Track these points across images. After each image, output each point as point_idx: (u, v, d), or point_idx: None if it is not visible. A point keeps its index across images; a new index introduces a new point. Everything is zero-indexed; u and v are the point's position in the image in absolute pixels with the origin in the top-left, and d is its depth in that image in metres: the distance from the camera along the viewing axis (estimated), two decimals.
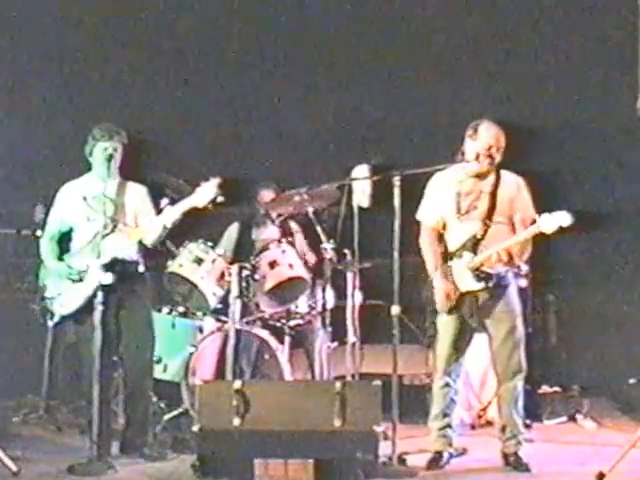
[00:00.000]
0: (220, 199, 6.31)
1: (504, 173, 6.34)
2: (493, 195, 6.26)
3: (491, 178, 6.31)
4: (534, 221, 6.08)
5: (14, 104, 8.21)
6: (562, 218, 5.95)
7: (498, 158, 6.28)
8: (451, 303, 6.24)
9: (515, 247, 6.19)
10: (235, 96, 8.37)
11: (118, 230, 6.33)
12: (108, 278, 6.21)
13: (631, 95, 7.75)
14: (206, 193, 6.29)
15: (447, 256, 6.31)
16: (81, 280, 6.36)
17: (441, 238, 6.38)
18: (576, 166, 8.16)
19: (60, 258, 6.53)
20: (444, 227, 6.37)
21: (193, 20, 8.37)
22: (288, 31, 8.37)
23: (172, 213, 6.36)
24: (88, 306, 6.32)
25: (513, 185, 6.33)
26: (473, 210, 6.28)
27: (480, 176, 6.30)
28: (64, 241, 6.58)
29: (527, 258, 6.41)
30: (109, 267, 6.26)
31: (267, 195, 7.81)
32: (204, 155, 8.34)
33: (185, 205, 6.34)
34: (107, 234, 6.24)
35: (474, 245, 6.21)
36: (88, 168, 6.57)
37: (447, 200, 6.31)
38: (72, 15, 8.29)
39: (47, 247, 6.58)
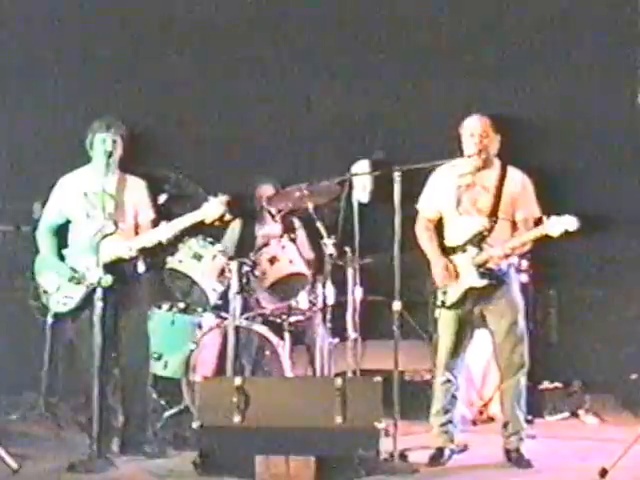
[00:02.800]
0: (227, 217, 6.30)
1: (511, 169, 6.34)
2: (499, 190, 6.26)
3: (495, 173, 6.32)
4: (539, 220, 6.08)
5: (13, 101, 8.18)
6: (569, 222, 5.96)
7: (492, 148, 6.28)
8: (450, 277, 6.22)
9: (519, 246, 6.20)
10: (236, 91, 8.35)
11: (119, 231, 6.31)
12: (107, 280, 6.19)
13: (631, 92, 7.74)
14: (213, 209, 6.27)
15: (448, 250, 6.31)
16: (80, 283, 6.35)
17: (438, 230, 6.38)
18: (577, 163, 8.14)
19: (58, 252, 6.50)
20: (440, 220, 6.39)
21: (194, 15, 8.33)
22: (289, 27, 8.35)
23: (175, 226, 6.33)
24: (86, 304, 6.32)
25: (518, 182, 6.34)
26: (473, 204, 6.28)
27: (481, 170, 6.29)
28: (60, 233, 6.56)
29: (526, 253, 6.45)
30: (108, 267, 6.24)
31: (268, 191, 7.79)
32: (204, 150, 8.31)
33: (190, 219, 6.32)
34: (108, 235, 6.20)
35: (479, 241, 6.21)
36: (88, 161, 6.56)
37: (447, 193, 6.33)
38: (71, 11, 8.26)
39: (45, 240, 6.56)
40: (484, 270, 6.19)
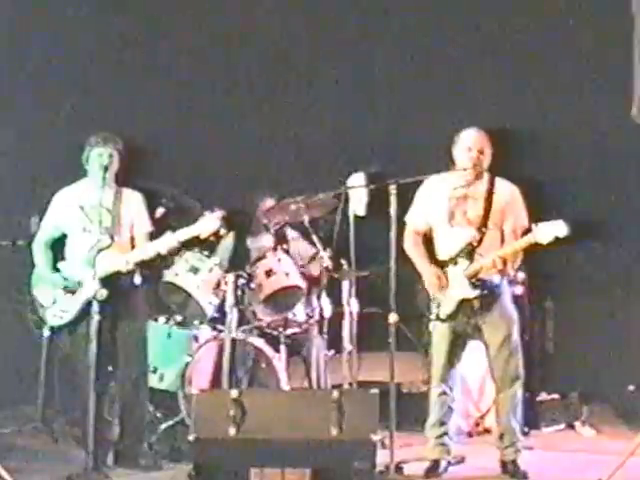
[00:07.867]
0: (223, 231, 6.34)
1: (499, 180, 6.35)
2: (488, 201, 6.26)
3: (484, 184, 6.32)
4: (528, 230, 6.07)
5: (9, 114, 8.19)
6: (558, 228, 5.94)
7: (485, 162, 6.28)
8: (442, 285, 6.22)
9: (510, 255, 6.19)
10: (233, 104, 8.36)
11: (115, 244, 6.31)
12: (103, 293, 6.19)
13: (626, 101, 7.75)
14: (209, 225, 6.31)
15: (439, 263, 6.31)
16: (74, 292, 6.35)
17: (428, 243, 6.38)
18: (571, 173, 8.14)
19: (54, 266, 6.51)
20: (430, 232, 6.39)
21: (190, 27, 8.35)
22: (286, 41, 8.37)
23: (170, 240, 6.35)
24: (82, 317, 6.33)
25: (507, 193, 6.34)
26: (464, 216, 6.28)
27: (470, 182, 6.30)
28: (56, 247, 6.57)
29: (519, 265, 6.43)
30: (104, 280, 6.24)
31: (265, 203, 7.80)
32: (201, 164, 8.32)
33: (185, 234, 6.34)
34: (104, 248, 6.21)
35: (470, 252, 6.20)
36: (84, 175, 6.57)
37: (437, 206, 6.34)
38: (68, 25, 8.28)
39: (41, 253, 6.58)
40: (476, 281, 6.19)
